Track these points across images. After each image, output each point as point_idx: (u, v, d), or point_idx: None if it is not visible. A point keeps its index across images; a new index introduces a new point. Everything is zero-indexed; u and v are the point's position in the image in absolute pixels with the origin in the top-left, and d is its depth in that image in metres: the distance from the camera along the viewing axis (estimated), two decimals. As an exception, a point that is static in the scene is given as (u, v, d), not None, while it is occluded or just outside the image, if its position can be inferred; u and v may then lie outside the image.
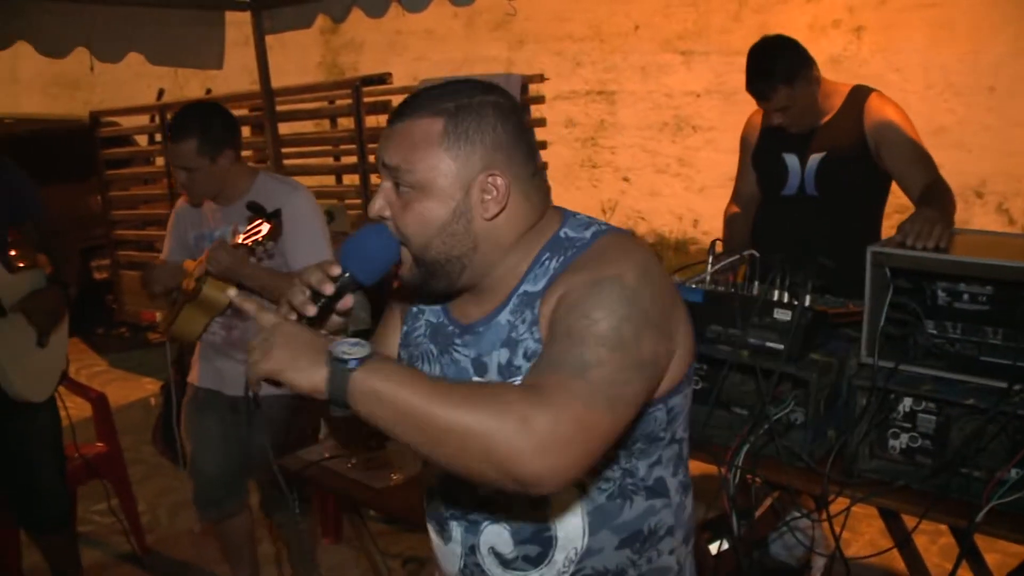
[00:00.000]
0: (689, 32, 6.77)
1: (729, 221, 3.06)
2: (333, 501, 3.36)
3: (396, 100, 6.16)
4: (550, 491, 1.09)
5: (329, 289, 1.23)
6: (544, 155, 7.11)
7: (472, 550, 1.37)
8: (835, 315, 2.31)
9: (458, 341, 1.35)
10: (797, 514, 2.31)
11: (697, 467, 2.49)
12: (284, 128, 4.88)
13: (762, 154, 2.96)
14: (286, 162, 4.77)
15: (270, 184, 2.75)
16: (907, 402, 2.09)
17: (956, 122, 5.96)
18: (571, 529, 1.31)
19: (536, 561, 1.33)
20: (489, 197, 1.25)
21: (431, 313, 1.41)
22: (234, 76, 5.43)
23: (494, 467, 1.05)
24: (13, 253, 2.83)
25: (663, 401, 1.29)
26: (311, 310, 1.23)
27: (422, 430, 1.07)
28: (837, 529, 2.06)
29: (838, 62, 6.31)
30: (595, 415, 1.08)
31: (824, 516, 2.12)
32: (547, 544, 1.32)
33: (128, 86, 8.86)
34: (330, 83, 5.01)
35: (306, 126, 5.35)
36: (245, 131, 5.26)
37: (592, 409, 1.08)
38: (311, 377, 1.12)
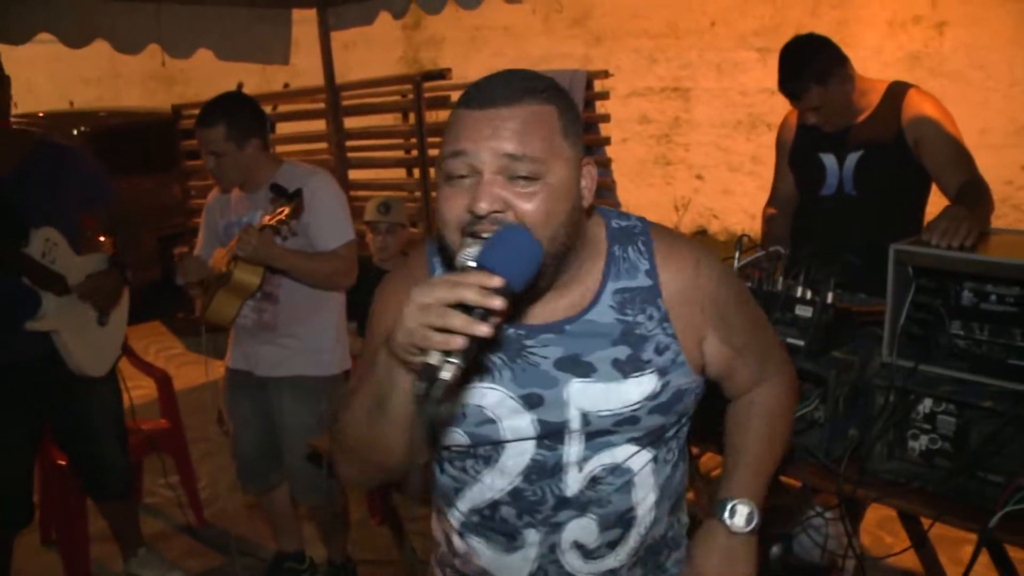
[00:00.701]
0: (765, 28, 6.67)
1: (767, 220, 3.04)
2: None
3: (455, 96, 6.24)
4: None
5: (500, 303, 1.03)
6: (617, 151, 7.11)
7: (551, 549, 1.34)
8: (860, 313, 2.28)
9: (530, 343, 1.29)
10: (813, 512, 2.29)
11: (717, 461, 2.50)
12: (352, 122, 5.02)
13: (798, 154, 2.93)
14: (351, 155, 4.90)
15: (291, 170, 2.86)
16: (927, 403, 2.05)
17: (1042, 121, 5.73)
18: (647, 505, 1.36)
19: (615, 544, 1.35)
20: (586, 186, 1.25)
21: None
22: (317, 71, 5.60)
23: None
24: (88, 234, 3.02)
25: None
26: (485, 328, 1.02)
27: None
28: (853, 528, 2.05)
29: (918, 59, 6.13)
30: None
31: (839, 515, 2.11)
32: (628, 524, 1.35)
33: (219, 80, 9.21)
34: (392, 78, 5.11)
35: (377, 119, 5.47)
36: (320, 123, 5.45)
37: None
38: None
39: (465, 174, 1.17)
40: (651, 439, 1.34)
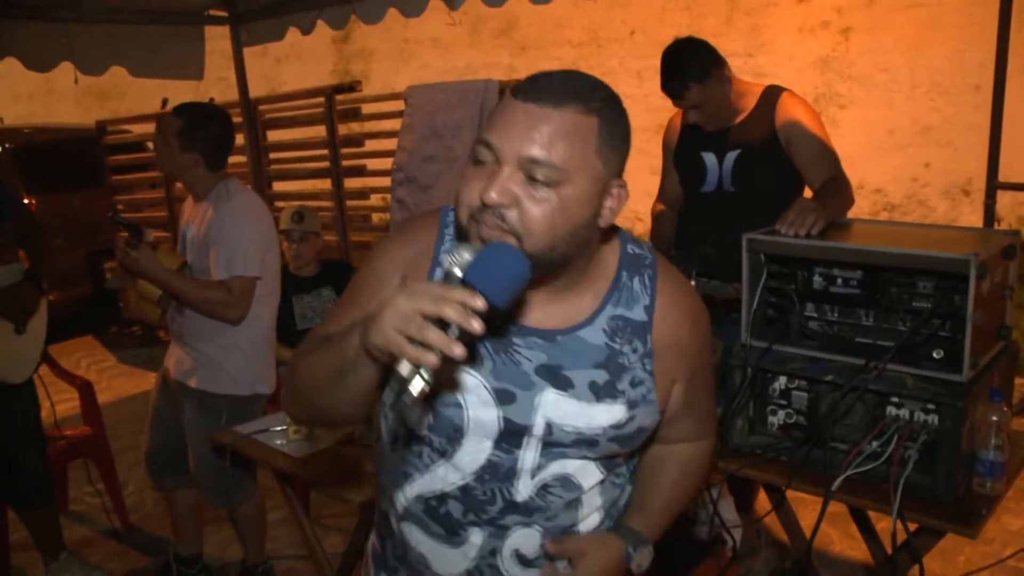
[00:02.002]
0: (683, 36, 6.89)
1: (656, 218, 3.21)
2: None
3: (366, 108, 6.35)
4: None
5: (479, 327, 1.02)
6: (540, 158, 7.26)
7: (492, 553, 1.34)
8: (727, 301, 2.46)
9: (518, 341, 1.29)
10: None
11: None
12: (274, 135, 5.12)
13: (682, 153, 3.10)
14: (273, 167, 5.00)
15: (223, 188, 2.94)
16: (782, 381, 2.23)
17: (942, 121, 6.01)
18: (589, 523, 1.39)
19: (554, 557, 1.37)
20: (610, 206, 1.22)
21: None
22: (253, 83, 5.64)
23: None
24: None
25: None
26: (459, 350, 1.00)
27: None
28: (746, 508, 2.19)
29: (827, 63, 6.39)
30: None
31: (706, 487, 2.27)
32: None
33: (153, 95, 9.20)
34: (304, 91, 5.22)
35: (299, 132, 5.56)
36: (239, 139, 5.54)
37: None
38: None
39: (488, 161, 1.17)
40: (604, 461, 1.37)
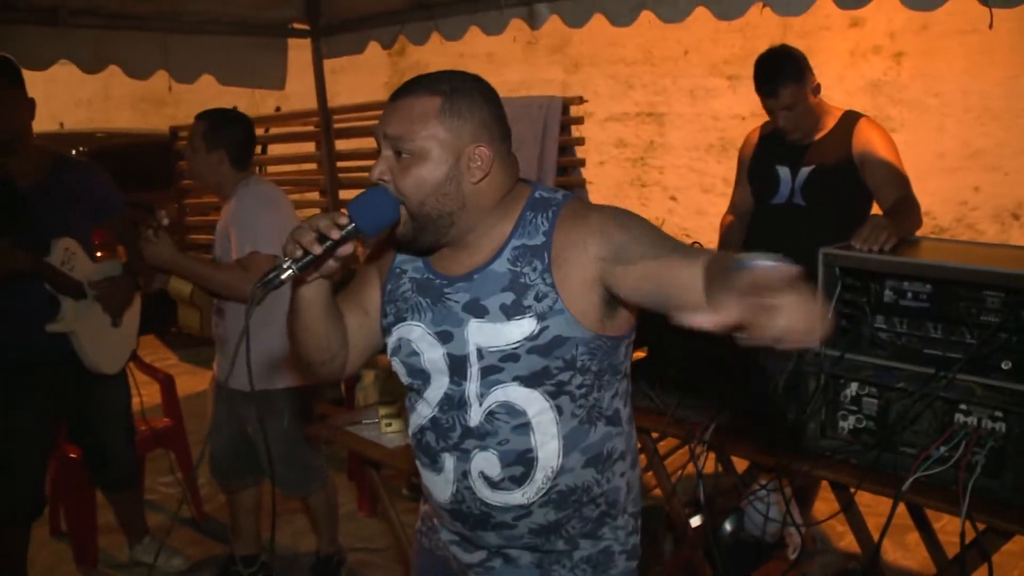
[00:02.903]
0: (736, 57, 7.01)
1: (724, 228, 3.36)
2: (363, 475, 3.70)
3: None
4: None
5: (336, 234, 1.44)
6: (595, 174, 7.43)
7: (464, 476, 1.59)
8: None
9: (448, 290, 1.58)
10: (758, 487, 2.57)
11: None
12: (344, 144, 5.31)
13: (757, 165, 3.26)
14: (342, 175, 5.18)
15: (245, 184, 3.05)
16: (853, 387, 2.35)
17: (994, 145, 6.07)
18: (549, 450, 1.56)
19: (520, 480, 1.57)
20: (475, 165, 1.50)
21: (414, 271, 1.65)
22: (308, 95, 5.87)
23: None
24: (97, 244, 3.29)
25: (628, 336, 1.62)
26: (317, 248, 1.44)
27: None
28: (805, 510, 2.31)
29: (878, 87, 6.48)
30: None
31: (777, 488, 2.39)
32: (529, 464, 1.57)
33: (210, 103, 9.47)
34: (378, 103, 5.41)
35: (367, 142, 5.74)
36: (310, 145, 5.74)
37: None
38: None
39: (379, 148, 1.53)
40: (537, 382, 1.53)
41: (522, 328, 1.52)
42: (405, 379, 1.67)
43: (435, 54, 8.99)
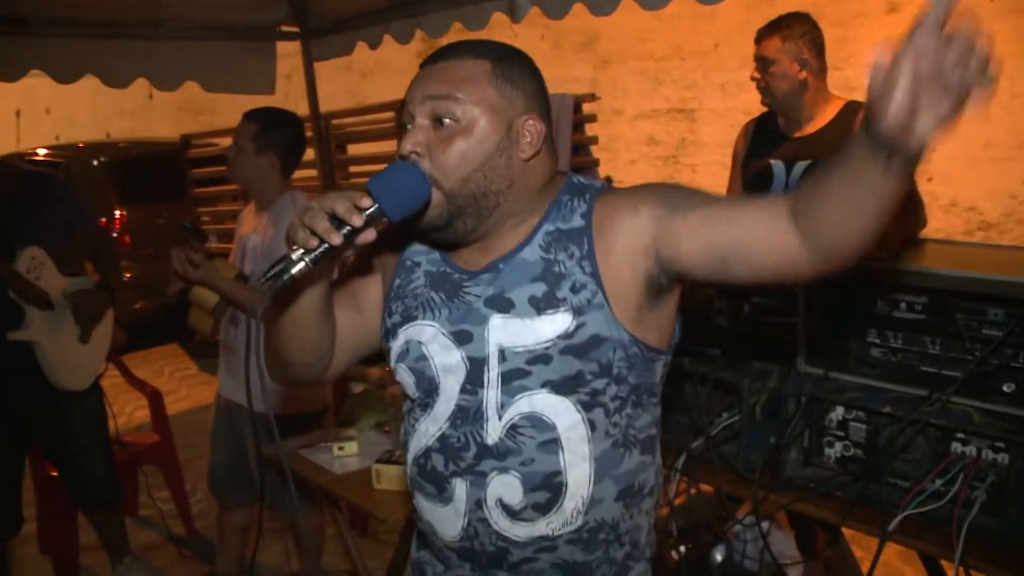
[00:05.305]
0: (769, 49, 6.73)
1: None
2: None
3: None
4: None
5: (358, 221, 1.19)
6: (626, 173, 7.20)
7: (478, 505, 1.34)
8: (771, 323, 2.33)
9: (468, 284, 1.36)
10: (733, 521, 2.34)
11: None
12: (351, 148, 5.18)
13: (752, 159, 3.05)
14: (342, 181, 5.06)
15: (284, 200, 2.93)
16: (839, 411, 2.10)
17: (1045, 134, 5.69)
18: (579, 475, 1.32)
19: (545, 508, 1.33)
20: (526, 140, 1.31)
21: (429, 263, 1.42)
22: (337, 97, 5.69)
23: None
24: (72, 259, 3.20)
25: (666, 353, 1.42)
26: (336, 238, 1.18)
27: None
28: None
29: (919, 75, 6.13)
30: None
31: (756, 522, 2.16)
32: (557, 490, 1.32)
33: (246, 110, 9.48)
34: (375, 106, 5.26)
35: (375, 147, 5.60)
36: (309, 152, 5.62)
37: None
38: None
39: (407, 122, 1.30)
40: (570, 389, 1.31)
41: (555, 324, 1.30)
42: (412, 391, 1.41)
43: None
